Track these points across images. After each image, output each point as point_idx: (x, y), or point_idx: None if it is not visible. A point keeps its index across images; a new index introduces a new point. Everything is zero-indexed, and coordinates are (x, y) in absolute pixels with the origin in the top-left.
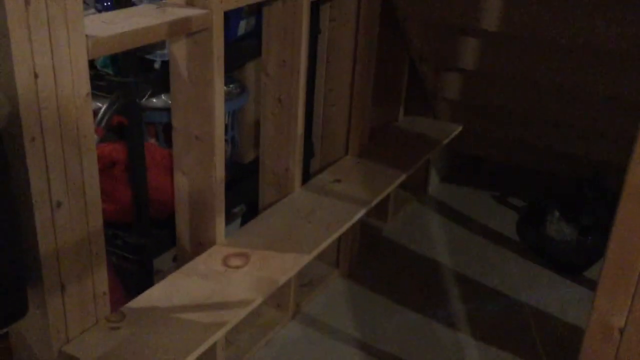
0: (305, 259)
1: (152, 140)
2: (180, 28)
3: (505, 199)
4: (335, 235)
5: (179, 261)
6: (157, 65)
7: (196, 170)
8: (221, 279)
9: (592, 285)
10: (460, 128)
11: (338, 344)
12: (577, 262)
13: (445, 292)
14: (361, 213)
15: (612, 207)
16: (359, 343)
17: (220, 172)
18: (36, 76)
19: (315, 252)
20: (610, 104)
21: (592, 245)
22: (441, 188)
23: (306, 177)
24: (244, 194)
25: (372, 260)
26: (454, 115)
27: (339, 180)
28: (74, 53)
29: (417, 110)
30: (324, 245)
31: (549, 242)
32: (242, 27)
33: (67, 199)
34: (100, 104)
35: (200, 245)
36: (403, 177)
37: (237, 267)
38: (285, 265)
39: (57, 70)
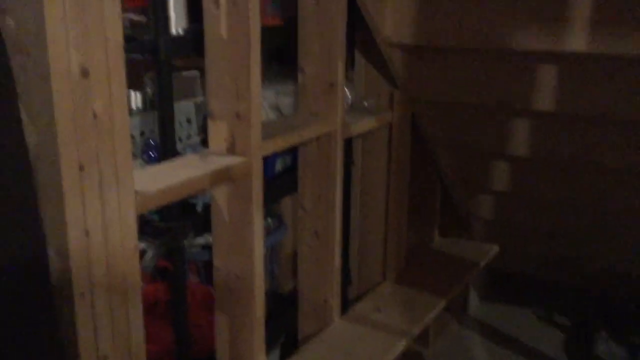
0: None
1: (194, 277)
2: (222, 177)
3: (550, 318)
4: None
5: None
6: (199, 209)
7: (236, 309)
8: None
9: None
10: (496, 249)
11: None
12: None
13: None
14: (403, 345)
15: None
16: None
17: (260, 310)
18: (87, 234)
19: None
20: None
21: None
22: (482, 307)
23: (344, 304)
24: (283, 324)
25: None
26: (489, 234)
27: (378, 309)
28: (123, 210)
29: (452, 230)
30: None
31: None
32: (279, 164)
33: (113, 352)
34: (144, 246)
35: None
36: (443, 303)
37: None
38: None
39: (107, 227)
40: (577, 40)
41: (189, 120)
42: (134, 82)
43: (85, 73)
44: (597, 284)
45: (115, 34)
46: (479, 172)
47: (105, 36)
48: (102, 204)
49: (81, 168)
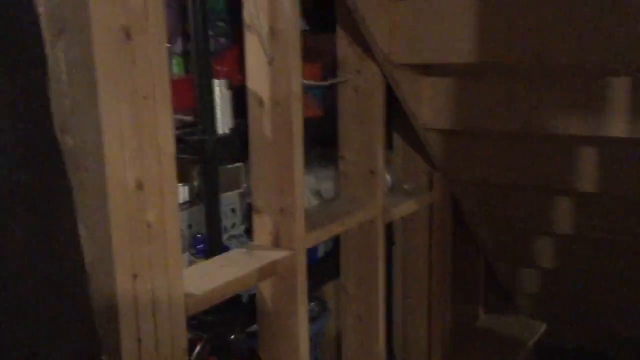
0: None
1: None
2: (268, 272)
3: None
4: None
5: None
6: (244, 300)
7: None
8: None
9: None
10: (544, 327)
11: None
12: None
13: None
14: None
15: None
16: None
17: None
18: (139, 341)
19: None
20: None
21: None
22: None
23: None
24: None
25: None
26: (536, 308)
27: None
28: (174, 313)
29: (497, 305)
30: None
31: None
32: (321, 250)
33: None
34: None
35: None
36: None
37: None
38: None
39: (158, 332)
40: (618, 126)
41: (233, 210)
42: (181, 176)
43: (140, 186)
44: None
45: (168, 147)
46: (522, 248)
47: (159, 150)
48: (153, 310)
49: (134, 276)
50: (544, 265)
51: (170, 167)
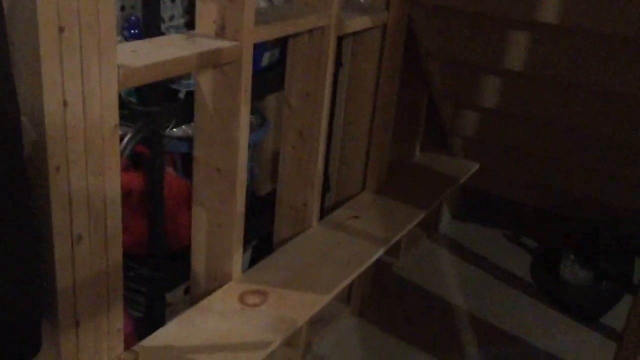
0: (324, 299)
1: (170, 170)
2: (210, 60)
3: (518, 239)
4: (354, 276)
5: (194, 297)
6: (181, 95)
7: (216, 204)
8: (238, 318)
9: (607, 332)
10: (477, 166)
11: None
12: (592, 308)
13: (458, 335)
14: (379, 252)
15: (628, 253)
16: None
17: (240, 206)
18: (65, 104)
19: (334, 292)
20: (629, 150)
21: (606, 291)
22: (452, 225)
23: (322, 210)
24: (259, 226)
25: (384, 298)
26: (469, 152)
27: (356, 217)
28: (104, 83)
29: (433, 146)
30: (342, 285)
31: (564, 287)
32: (267, 58)
33: (88, 233)
34: (122, 132)
35: (216, 280)
36: (422, 215)
37: (255, 306)
38: (304, 305)
39: (87, 100)
40: None
41: (173, 0)
42: None
43: None
44: (568, 209)
45: None
46: (468, 86)
47: None
48: (82, 73)
49: (61, 30)
50: (486, 106)
51: None
